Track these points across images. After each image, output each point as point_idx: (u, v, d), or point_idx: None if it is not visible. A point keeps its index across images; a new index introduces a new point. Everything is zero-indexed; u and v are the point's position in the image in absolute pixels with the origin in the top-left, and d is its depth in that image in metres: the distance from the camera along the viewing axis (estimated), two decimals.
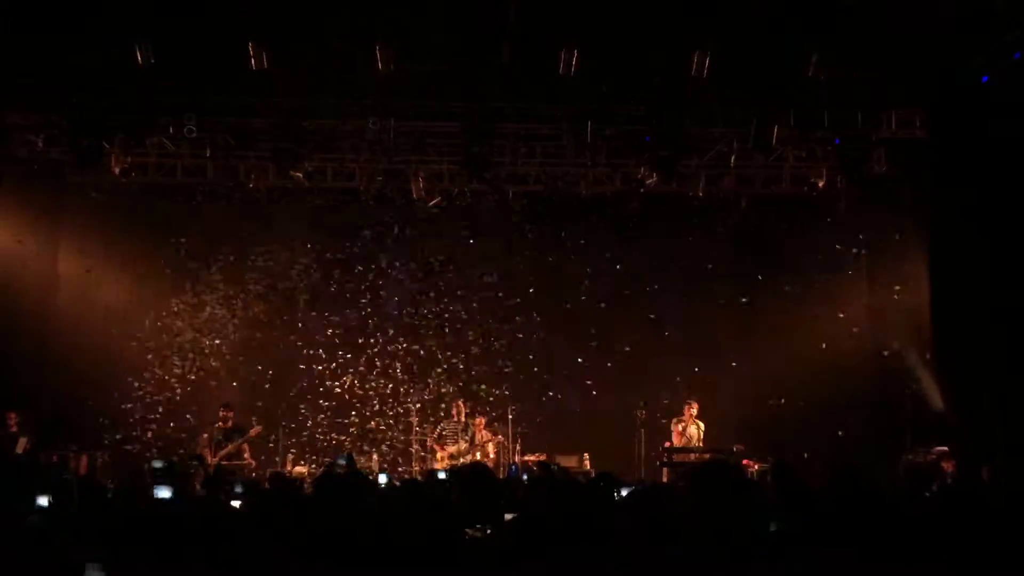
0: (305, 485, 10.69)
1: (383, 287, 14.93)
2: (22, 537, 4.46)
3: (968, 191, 12.00)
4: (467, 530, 4.06)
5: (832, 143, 13.31)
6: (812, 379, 13.94)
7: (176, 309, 14.52)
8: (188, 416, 14.26)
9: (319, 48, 11.40)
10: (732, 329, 15.12)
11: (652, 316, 14.90)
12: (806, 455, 12.92)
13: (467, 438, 13.47)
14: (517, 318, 14.99)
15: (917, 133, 13.18)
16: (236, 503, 6.52)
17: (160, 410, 14.11)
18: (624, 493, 5.43)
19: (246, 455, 12.93)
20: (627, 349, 14.90)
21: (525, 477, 11.46)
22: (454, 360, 14.88)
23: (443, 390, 14.72)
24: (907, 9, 10.57)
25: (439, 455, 13.40)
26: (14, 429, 11.91)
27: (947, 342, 12.70)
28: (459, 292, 14.96)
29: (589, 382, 14.88)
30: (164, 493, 7.28)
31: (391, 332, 14.92)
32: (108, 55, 11.29)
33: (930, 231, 13.20)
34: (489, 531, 4.11)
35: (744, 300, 14.84)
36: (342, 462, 11.05)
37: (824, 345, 14.20)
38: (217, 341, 14.68)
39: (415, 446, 14.02)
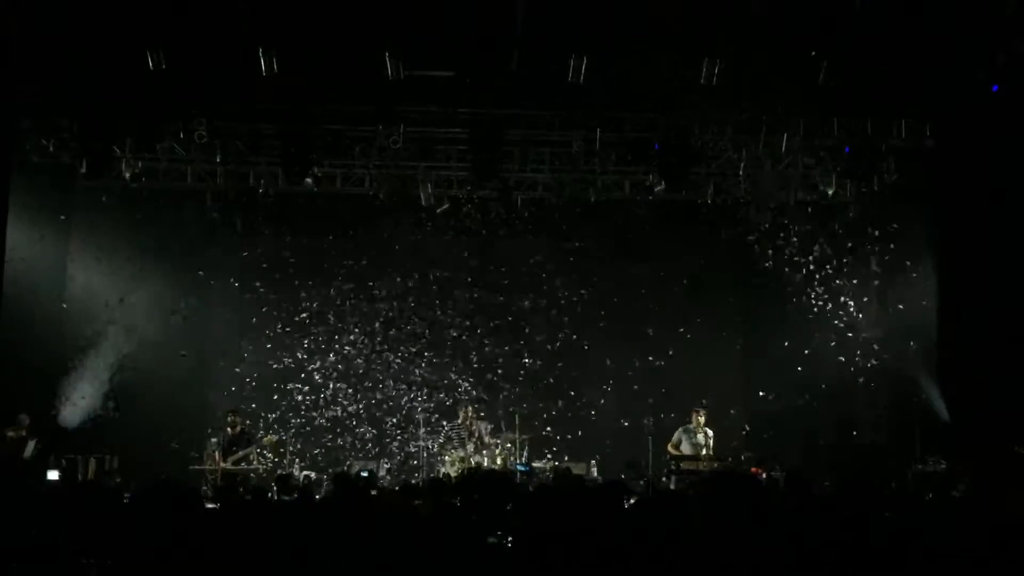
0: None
1: (390, 293, 14.94)
2: (27, 540, 4.45)
3: (978, 200, 11.97)
4: (488, 538, 4.07)
5: (842, 151, 13.29)
6: (821, 387, 13.91)
7: (185, 313, 14.54)
8: (197, 421, 14.28)
9: (329, 54, 11.41)
10: (742, 335, 15.09)
11: (652, 330, 14.90)
12: (812, 464, 12.86)
13: (473, 442, 13.46)
14: (524, 324, 14.99)
15: (927, 142, 13.16)
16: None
17: (169, 414, 14.09)
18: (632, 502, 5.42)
19: (255, 461, 12.96)
20: (635, 355, 14.89)
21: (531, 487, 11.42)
22: (461, 364, 14.89)
23: (449, 395, 14.73)
24: (917, 17, 10.55)
25: (446, 459, 13.39)
26: (24, 433, 11.94)
27: (955, 351, 12.66)
28: (466, 298, 14.96)
29: (596, 388, 14.86)
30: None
31: (397, 338, 14.93)
32: (119, 60, 11.32)
33: (939, 239, 13.17)
34: (509, 539, 4.11)
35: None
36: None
37: (833, 353, 14.15)
38: (224, 346, 14.71)
39: (422, 451, 14.01)
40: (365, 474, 11.49)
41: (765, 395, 14.33)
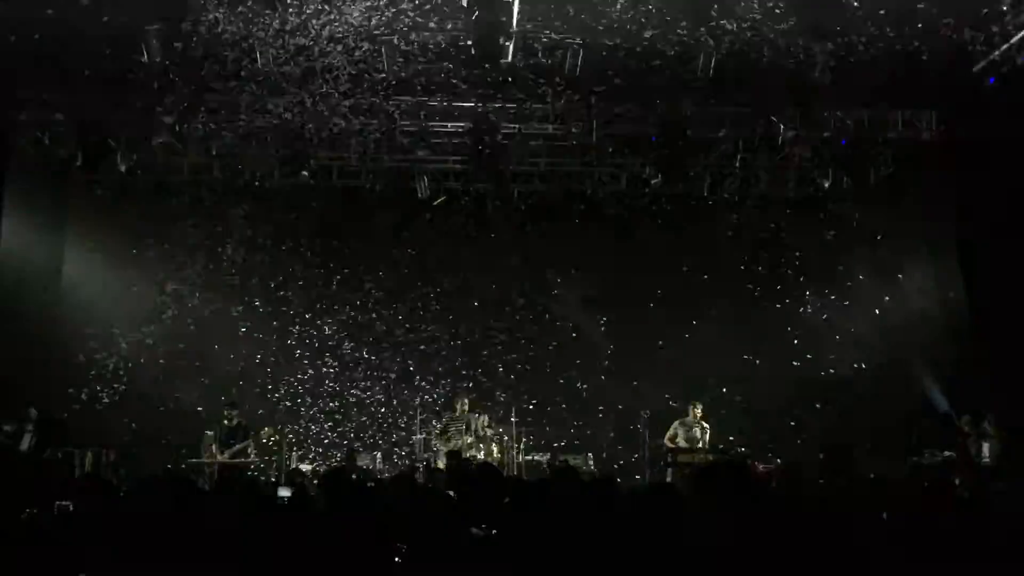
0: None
1: (388, 284, 14.92)
2: (25, 534, 4.45)
3: (974, 194, 12.00)
4: (472, 529, 4.06)
5: (838, 144, 13.28)
6: (818, 380, 13.91)
7: (181, 307, 14.51)
8: (194, 414, 14.26)
9: (324, 47, 11.38)
10: (738, 330, 15.09)
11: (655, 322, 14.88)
12: (818, 456, 12.86)
13: (470, 433, 13.45)
14: (521, 316, 14.98)
15: (923, 135, 13.16)
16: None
17: (166, 407, 14.08)
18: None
19: (252, 454, 12.96)
20: (632, 348, 14.88)
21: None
22: (458, 357, 14.88)
23: (447, 387, 14.73)
24: (914, 10, 10.54)
25: (442, 451, 13.38)
26: (27, 426, 11.93)
27: (955, 341, 12.71)
28: (463, 290, 14.94)
29: (594, 381, 14.85)
30: None
31: (395, 329, 14.92)
32: (115, 52, 11.28)
33: (937, 231, 13.20)
34: (494, 531, 4.10)
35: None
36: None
37: (832, 346, 14.16)
38: (222, 340, 14.68)
39: (419, 443, 14.00)
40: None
41: (763, 388, 14.34)
